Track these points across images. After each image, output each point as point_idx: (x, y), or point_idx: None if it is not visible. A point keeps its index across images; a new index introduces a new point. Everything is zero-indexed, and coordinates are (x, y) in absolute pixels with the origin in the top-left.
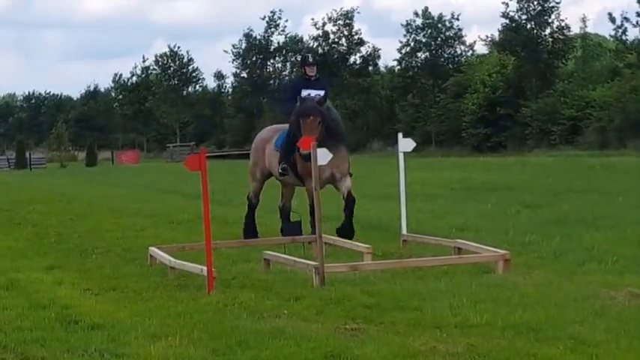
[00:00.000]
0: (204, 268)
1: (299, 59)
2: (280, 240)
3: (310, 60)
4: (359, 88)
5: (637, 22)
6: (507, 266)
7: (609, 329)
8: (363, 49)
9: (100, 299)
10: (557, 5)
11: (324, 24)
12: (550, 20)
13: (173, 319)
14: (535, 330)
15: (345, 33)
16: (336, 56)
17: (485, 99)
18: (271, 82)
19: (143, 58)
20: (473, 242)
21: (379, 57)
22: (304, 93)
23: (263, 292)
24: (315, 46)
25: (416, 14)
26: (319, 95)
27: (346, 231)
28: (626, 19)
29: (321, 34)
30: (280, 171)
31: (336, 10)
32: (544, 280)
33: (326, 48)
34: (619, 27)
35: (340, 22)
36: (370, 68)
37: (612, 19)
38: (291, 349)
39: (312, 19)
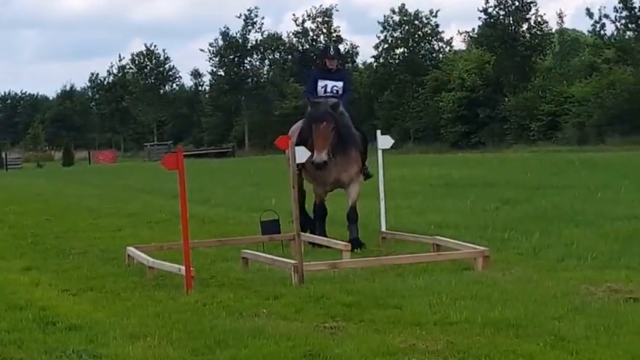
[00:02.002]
0: (183, 268)
1: (320, 50)
2: (258, 239)
3: (332, 53)
4: None
5: (615, 18)
6: (486, 263)
7: (589, 325)
8: (341, 47)
9: (78, 300)
10: (535, 1)
11: (303, 21)
12: (528, 16)
13: (151, 319)
14: (515, 326)
15: (324, 30)
16: (313, 54)
17: (463, 95)
18: (249, 80)
19: (119, 57)
20: (452, 239)
21: (357, 54)
22: (321, 84)
23: (242, 291)
24: (295, 43)
25: (393, 11)
26: (337, 87)
27: (355, 244)
28: (606, 16)
29: (300, 30)
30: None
31: (315, 7)
32: (523, 276)
33: (306, 45)
34: (597, 22)
35: (319, 19)
36: (348, 65)
37: (590, 15)
38: (270, 347)
39: (294, 14)
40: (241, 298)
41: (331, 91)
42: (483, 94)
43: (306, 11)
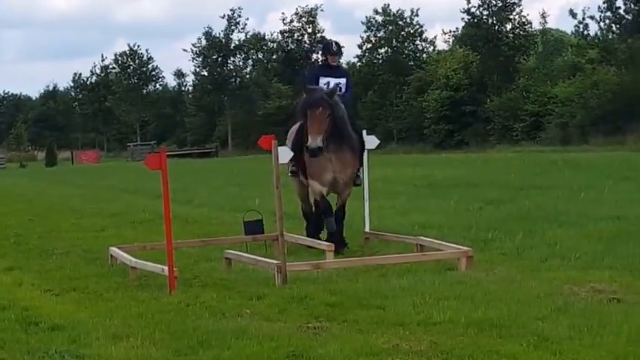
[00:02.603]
0: (166, 268)
1: (321, 46)
2: (241, 239)
3: (334, 49)
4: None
5: (600, 18)
6: (470, 263)
7: (572, 325)
8: None
9: (61, 300)
10: (519, 1)
11: (291, 20)
12: (511, 16)
13: (134, 319)
14: (498, 327)
15: (309, 30)
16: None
17: (447, 95)
18: (232, 80)
19: (102, 57)
20: (435, 239)
21: (341, 54)
22: (324, 80)
23: (225, 292)
24: (280, 42)
25: (376, 12)
26: (338, 84)
27: (335, 241)
28: (591, 17)
29: (287, 29)
30: (289, 174)
31: (302, 7)
32: (507, 276)
33: (292, 45)
34: (580, 22)
35: (304, 19)
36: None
37: (573, 15)
38: (253, 348)
39: (283, 13)
40: (224, 299)
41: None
42: (467, 94)
43: (296, 9)
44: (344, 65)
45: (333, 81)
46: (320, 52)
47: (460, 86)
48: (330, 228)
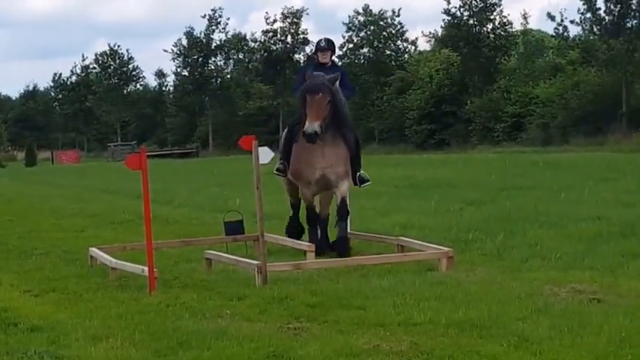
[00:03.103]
0: (146, 269)
1: (314, 44)
2: (222, 239)
3: (323, 44)
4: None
5: (580, 20)
6: (451, 264)
7: (553, 326)
8: (308, 48)
9: (40, 301)
10: (500, 2)
11: (274, 21)
12: (492, 17)
13: (114, 320)
14: (479, 327)
15: (292, 31)
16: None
17: (429, 96)
18: (213, 80)
19: (83, 56)
20: (416, 240)
21: (314, 59)
22: None
23: (205, 292)
24: (262, 42)
25: (357, 12)
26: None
27: (341, 246)
28: (571, 21)
29: (270, 29)
30: (275, 171)
31: (288, 7)
32: (487, 277)
33: (275, 46)
34: (559, 24)
35: (288, 20)
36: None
37: (552, 17)
38: (233, 349)
39: (267, 12)
40: (204, 299)
41: None
42: (449, 95)
43: (282, 9)
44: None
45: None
46: (314, 50)
47: (441, 87)
48: (310, 237)
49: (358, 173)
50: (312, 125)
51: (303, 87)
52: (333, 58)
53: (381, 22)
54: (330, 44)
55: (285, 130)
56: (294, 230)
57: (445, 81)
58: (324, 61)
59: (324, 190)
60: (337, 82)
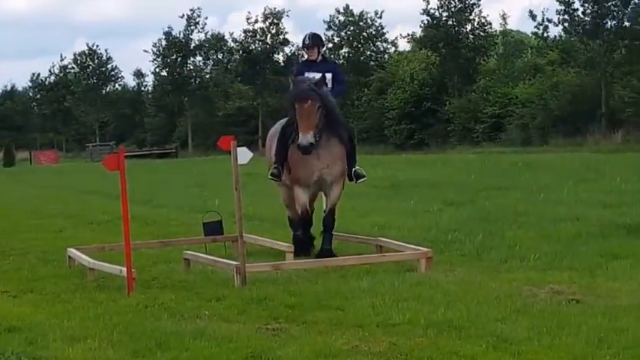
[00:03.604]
0: (124, 269)
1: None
2: (201, 240)
3: (307, 42)
4: (281, 87)
5: (559, 20)
6: (430, 264)
7: (531, 326)
8: (287, 49)
9: (18, 301)
10: (478, 2)
11: (255, 21)
12: (471, 17)
13: (92, 321)
14: (457, 328)
15: (273, 31)
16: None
17: (408, 96)
18: (192, 80)
19: (61, 56)
20: (395, 240)
21: (303, 56)
22: (307, 76)
23: (184, 293)
24: (242, 42)
25: (338, 11)
26: (325, 79)
27: (327, 256)
28: (549, 20)
29: (250, 29)
30: (270, 176)
31: (270, 8)
32: (466, 277)
33: (255, 45)
34: (540, 24)
35: (269, 20)
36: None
37: (533, 17)
38: (212, 349)
39: (249, 12)
40: (183, 300)
41: None
42: (428, 95)
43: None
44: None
45: (316, 77)
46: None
47: (421, 87)
48: (296, 239)
49: (354, 169)
50: (305, 137)
51: (291, 95)
52: (323, 52)
53: (361, 23)
54: (315, 40)
55: (274, 133)
56: (306, 247)
57: (424, 81)
58: (312, 58)
59: (318, 191)
60: (328, 77)
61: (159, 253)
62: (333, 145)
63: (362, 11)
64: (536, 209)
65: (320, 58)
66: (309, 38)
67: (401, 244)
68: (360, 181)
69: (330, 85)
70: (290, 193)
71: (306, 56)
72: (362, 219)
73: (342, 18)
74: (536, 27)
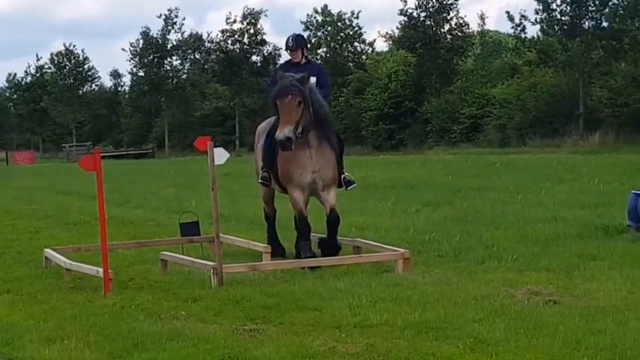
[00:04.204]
0: (101, 270)
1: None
2: (178, 240)
3: (291, 44)
4: (258, 88)
5: (536, 20)
6: (407, 265)
7: (509, 328)
8: (265, 49)
9: None
10: (456, 2)
11: (234, 21)
12: (449, 17)
13: (69, 321)
14: (435, 329)
15: (251, 32)
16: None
17: (386, 97)
18: (169, 80)
19: (37, 56)
20: (372, 241)
21: (280, 56)
22: None
23: (160, 294)
24: (219, 42)
25: (316, 11)
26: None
27: (329, 246)
28: (524, 17)
29: (228, 29)
30: (260, 180)
31: (249, 8)
32: (444, 278)
33: (232, 46)
34: (517, 25)
35: (247, 20)
36: (270, 68)
37: (511, 17)
38: (188, 350)
39: (230, 12)
40: (160, 301)
41: None
42: (406, 96)
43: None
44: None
45: None
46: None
47: (398, 88)
48: (304, 253)
49: (342, 175)
50: (282, 131)
51: (273, 92)
52: (306, 54)
53: (339, 24)
54: (298, 42)
55: (261, 131)
56: (277, 244)
57: (402, 82)
58: (295, 60)
59: (309, 197)
60: (312, 80)
61: (135, 254)
62: (325, 149)
63: (340, 11)
64: (514, 210)
65: (304, 60)
66: (292, 40)
67: (378, 244)
68: (350, 187)
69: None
70: (270, 190)
71: (292, 59)
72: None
73: (320, 18)
74: (513, 27)
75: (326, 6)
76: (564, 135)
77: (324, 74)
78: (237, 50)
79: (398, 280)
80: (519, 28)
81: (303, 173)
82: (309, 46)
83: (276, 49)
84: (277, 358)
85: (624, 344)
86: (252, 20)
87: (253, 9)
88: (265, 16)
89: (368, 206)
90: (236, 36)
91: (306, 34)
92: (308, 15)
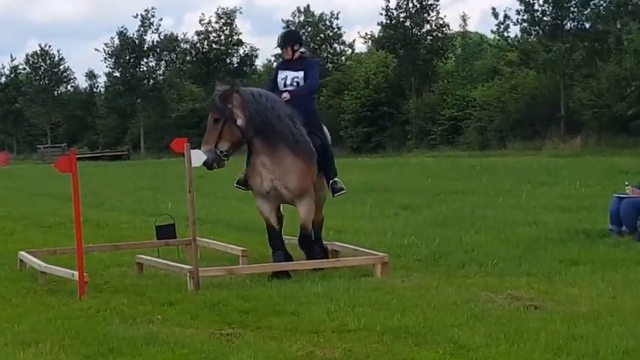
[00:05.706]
0: (76, 273)
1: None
2: (154, 243)
3: (279, 42)
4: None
5: (517, 20)
6: (386, 269)
7: (489, 333)
8: (241, 50)
9: None
10: (437, 3)
11: (209, 22)
12: (429, 18)
13: (44, 325)
14: (414, 334)
15: (227, 32)
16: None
17: (365, 98)
18: (145, 81)
19: (11, 57)
20: (351, 245)
21: (257, 57)
22: (281, 75)
23: (136, 297)
24: (195, 43)
25: (299, 10)
26: (297, 78)
27: (307, 250)
28: (507, 16)
29: (204, 30)
30: (235, 185)
31: (222, 8)
32: (423, 283)
33: (207, 47)
34: (501, 23)
35: (222, 20)
36: (247, 69)
37: (495, 14)
38: (165, 354)
39: (203, 13)
40: (135, 304)
41: (291, 83)
42: (385, 97)
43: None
44: (260, 68)
45: (291, 75)
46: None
47: (378, 89)
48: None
49: (331, 181)
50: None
51: None
52: (302, 50)
53: (320, 25)
54: (286, 40)
55: None
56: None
57: (381, 83)
58: (287, 57)
59: (278, 204)
60: (298, 82)
61: (111, 257)
62: (285, 156)
63: (322, 13)
64: (494, 213)
65: (297, 55)
66: (280, 38)
67: (357, 248)
68: (337, 194)
69: (301, 83)
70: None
71: (284, 57)
72: None
73: (301, 18)
74: (497, 25)
75: (308, 6)
76: (545, 137)
77: (312, 68)
78: (213, 51)
79: (376, 285)
80: (502, 27)
81: (261, 181)
82: (302, 41)
83: (253, 49)
84: None
85: (606, 350)
86: (228, 20)
87: (227, 8)
88: (240, 13)
89: (346, 209)
90: (211, 37)
91: None
92: (292, 13)
